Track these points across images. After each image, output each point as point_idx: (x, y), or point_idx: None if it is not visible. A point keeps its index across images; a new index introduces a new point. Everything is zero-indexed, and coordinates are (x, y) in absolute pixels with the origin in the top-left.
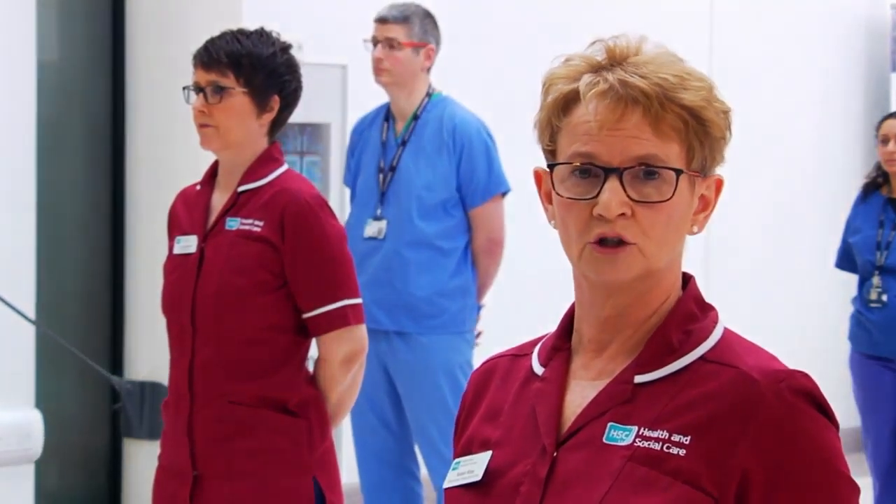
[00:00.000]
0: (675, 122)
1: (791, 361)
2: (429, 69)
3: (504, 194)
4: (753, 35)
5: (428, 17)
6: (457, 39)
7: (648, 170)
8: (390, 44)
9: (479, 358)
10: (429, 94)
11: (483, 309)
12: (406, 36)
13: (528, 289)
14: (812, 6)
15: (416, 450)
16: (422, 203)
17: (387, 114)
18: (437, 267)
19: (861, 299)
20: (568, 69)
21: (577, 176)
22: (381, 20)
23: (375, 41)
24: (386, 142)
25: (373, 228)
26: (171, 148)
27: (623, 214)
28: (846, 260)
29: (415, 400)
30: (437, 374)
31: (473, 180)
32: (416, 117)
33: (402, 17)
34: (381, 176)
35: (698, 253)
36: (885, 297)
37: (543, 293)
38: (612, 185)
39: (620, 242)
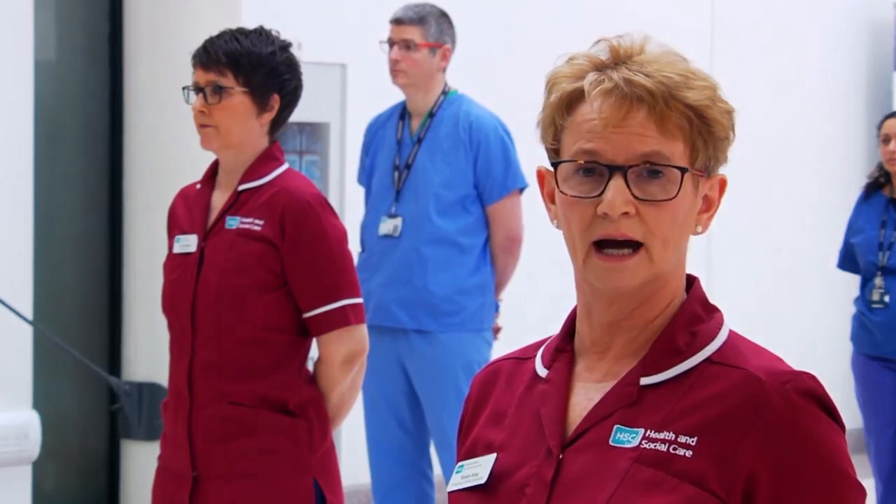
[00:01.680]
0: (680, 120)
1: (793, 362)
2: (445, 69)
3: (521, 190)
4: (755, 34)
5: (443, 17)
6: (470, 37)
7: (653, 168)
8: (406, 45)
9: (496, 354)
10: (444, 93)
11: (501, 305)
12: (422, 37)
13: (546, 285)
14: (814, 5)
15: (428, 453)
16: (439, 200)
17: (402, 112)
18: (456, 264)
19: (863, 300)
20: (572, 68)
21: (581, 174)
22: (397, 21)
23: (391, 42)
24: (401, 140)
25: (388, 226)
26: (169, 148)
27: (627, 213)
28: (848, 260)
29: (433, 398)
30: (457, 371)
31: (490, 177)
32: (431, 115)
33: (418, 19)
34: (396, 174)
35: (700, 254)
36: (887, 298)
37: (562, 289)
38: (617, 183)
39: (627, 244)
